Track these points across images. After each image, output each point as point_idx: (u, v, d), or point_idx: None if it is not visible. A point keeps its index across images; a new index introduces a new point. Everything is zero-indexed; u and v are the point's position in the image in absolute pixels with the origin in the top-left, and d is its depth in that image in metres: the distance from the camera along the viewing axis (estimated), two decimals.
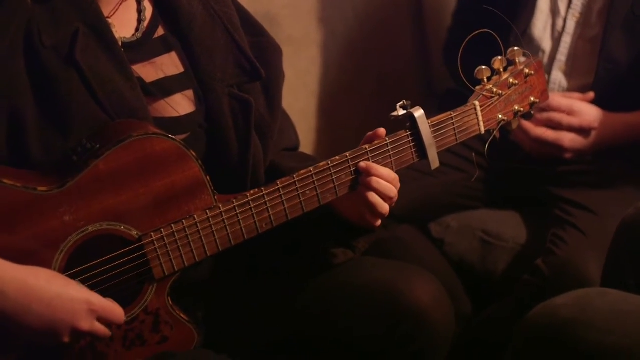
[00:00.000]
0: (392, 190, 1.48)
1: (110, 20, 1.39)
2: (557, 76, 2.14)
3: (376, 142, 1.49)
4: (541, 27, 2.14)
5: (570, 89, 2.13)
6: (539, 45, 2.14)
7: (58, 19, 1.32)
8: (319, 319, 1.53)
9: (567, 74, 2.14)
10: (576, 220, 2.01)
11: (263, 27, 1.61)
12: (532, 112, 1.69)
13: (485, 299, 2.15)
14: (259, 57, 1.54)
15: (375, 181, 1.47)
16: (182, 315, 1.39)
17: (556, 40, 2.14)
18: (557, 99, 2.07)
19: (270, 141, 1.56)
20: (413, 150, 1.52)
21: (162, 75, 1.45)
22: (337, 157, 1.46)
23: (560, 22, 2.13)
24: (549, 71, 2.14)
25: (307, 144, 2.48)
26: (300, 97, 2.47)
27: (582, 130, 2.06)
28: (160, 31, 1.47)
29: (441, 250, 2.17)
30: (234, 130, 1.49)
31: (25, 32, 1.29)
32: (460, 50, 1.62)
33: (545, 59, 2.14)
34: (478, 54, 2.20)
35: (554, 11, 2.13)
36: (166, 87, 1.45)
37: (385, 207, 1.48)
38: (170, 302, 1.38)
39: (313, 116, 2.55)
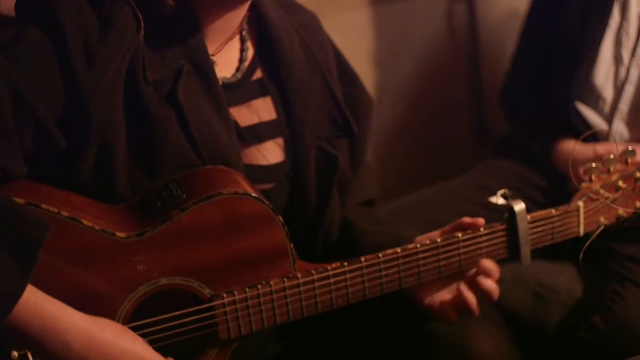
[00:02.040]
0: (496, 291, 1.44)
1: (214, 59, 1.35)
2: (619, 126, 2.08)
3: (470, 231, 1.43)
4: (603, 75, 2.09)
5: (631, 140, 2.07)
6: (600, 94, 2.09)
7: (164, 54, 1.27)
8: None
9: (630, 124, 2.08)
10: (638, 277, 1.94)
11: (358, 77, 1.56)
12: (635, 216, 1.59)
13: (537, 353, 2.08)
14: (351, 109, 1.49)
15: (484, 282, 1.43)
16: None
17: (619, 90, 2.08)
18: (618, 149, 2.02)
19: (349, 198, 1.51)
20: (506, 245, 1.46)
21: (256, 120, 1.40)
22: (428, 242, 1.40)
23: (623, 71, 2.08)
24: (610, 121, 2.09)
25: None
26: None
27: None
28: (258, 74, 1.41)
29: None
30: (315, 184, 1.44)
31: (129, 64, 1.24)
32: (571, 154, 1.53)
33: (607, 109, 2.09)
34: (537, 99, 2.18)
35: (618, 60, 2.08)
36: (259, 133, 1.40)
37: (474, 305, 1.44)
38: None
39: None
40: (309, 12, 1.54)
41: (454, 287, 1.46)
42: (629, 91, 2.07)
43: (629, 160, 1.55)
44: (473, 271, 1.45)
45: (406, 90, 2.58)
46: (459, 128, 2.73)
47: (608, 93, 2.09)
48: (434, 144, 2.66)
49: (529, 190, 2.10)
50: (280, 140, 1.42)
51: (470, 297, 1.44)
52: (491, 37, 2.78)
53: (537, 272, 2.13)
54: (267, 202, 1.30)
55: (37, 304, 1.13)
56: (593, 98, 2.10)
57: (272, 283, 1.30)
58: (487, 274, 1.44)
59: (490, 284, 1.44)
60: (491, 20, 2.80)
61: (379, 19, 2.46)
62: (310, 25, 1.51)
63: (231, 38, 1.37)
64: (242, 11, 1.35)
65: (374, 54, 2.47)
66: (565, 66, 2.11)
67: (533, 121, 2.20)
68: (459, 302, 1.44)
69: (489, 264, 1.44)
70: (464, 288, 1.45)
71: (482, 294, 1.44)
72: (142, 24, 1.24)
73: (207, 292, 1.27)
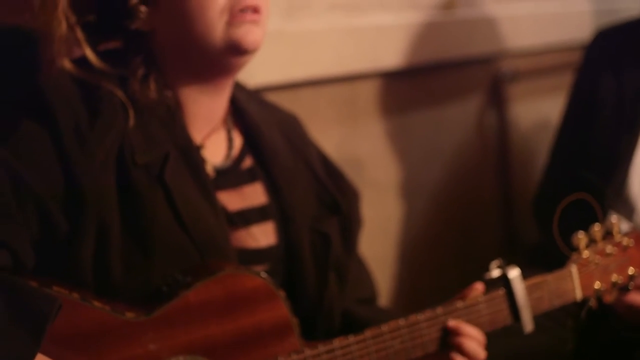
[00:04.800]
0: (480, 354, 1.44)
1: (202, 146, 1.41)
2: None
3: (470, 299, 1.46)
4: (637, 186, 2.08)
5: None
6: (634, 206, 2.07)
7: (151, 140, 1.33)
8: None
9: None
10: None
11: (342, 171, 1.63)
12: (631, 285, 1.65)
13: None
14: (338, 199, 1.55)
15: (465, 343, 1.42)
16: None
17: None
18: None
19: (346, 283, 1.53)
20: (507, 311, 1.49)
21: (246, 205, 1.45)
22: (429, 311, 1.42)
23: None
24: None
25: (384, 292, 2.41)
26: (380, 244, 2.43)
27: None
28: (248, 161, 1.48)
29: None
30: (312, 264, 1.47)
31: (119, 147, 1.30)
32: (557, 216, 1.59)
33: None
34: (572, 214, 2.16)
35: None
36: (249, 217, 1.44)
37: None
38: None
39: (392, 264, 2.49)
40: (290, 113, 1.64)
41: None
42: None
43: (616, 229, 1.64)
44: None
45: (436, 197, 2.57)
46: (490, 236, 2.71)
47: None
48: (464, 252, 2.63)
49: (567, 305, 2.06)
50: (271, 224, 1.47)
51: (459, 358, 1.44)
52: (522, 146, 2.79)
53: None
54: (267, 277, 1.33)
55: None
56: (627, 209, 2.09)
57: (280, 358, 1.31)
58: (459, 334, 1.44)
59: (457, 340, 1.43)
60: (522, 129, 2.81)
61: (409, 126, 2.48)
62: (292, 122, 1.61)
63: (216, 128, 1.45)
64: (222, 101, 1.44)
65: (404, 160, 2.48)
66: (598, 177, 2.10)
67: (566, 232, 2.17)
68: None
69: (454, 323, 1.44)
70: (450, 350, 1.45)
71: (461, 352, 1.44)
72: (130, 113, 1.32)
73: None
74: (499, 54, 2.70)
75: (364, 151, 2.36)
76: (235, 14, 1.33)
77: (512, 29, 2.69)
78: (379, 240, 2.42)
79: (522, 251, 2.54)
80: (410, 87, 2.47)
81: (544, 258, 2.21)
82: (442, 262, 2.57)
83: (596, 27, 2.41)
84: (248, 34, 1.34)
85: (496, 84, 2.72)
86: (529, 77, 2.80)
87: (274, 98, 1.73)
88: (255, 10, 1.35)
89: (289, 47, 2.05)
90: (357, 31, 2.22)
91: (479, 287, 1.48)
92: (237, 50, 1.35)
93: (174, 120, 1.37)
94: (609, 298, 1.62)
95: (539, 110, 2.84)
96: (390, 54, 2.34)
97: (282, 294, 1.34)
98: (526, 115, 2.82)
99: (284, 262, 1.47)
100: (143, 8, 1.34)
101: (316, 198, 1.52)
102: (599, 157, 2.12)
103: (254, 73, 1.89)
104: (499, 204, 2.74)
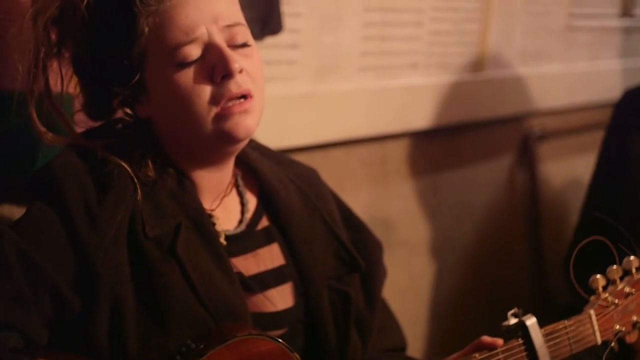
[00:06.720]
0: None
1: (213, 213, 1.40)
2: None
3: (486, 350, 1.43)
4: None
5: None
6: None
7: (162, 212, 1.33)
8: None
9: None
10: None
11: (364, 223, 1.61)
12: None
13: None
14: (359, 251, 1.54)
15: None
16: None
17: None
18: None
19: (369, 338, 1.51)
20: None
21: (262, 268, 1.43)
22: None
23: None
24: None
25: (416, 351, 2.40)
26: (411, 302, 2.43)
27: None
28: (264, 222, 1.47)
29: None
30: (333, 324, 1.46)
31: (129, 222, 1.30)
32: (572, 258, 1.58)
33: None
34: (598, 270, 2.15)
35: None
36: (266, 280, 1.43)
37: None
38: None
39: (424, 322, 2.49)
40: (307, 166, 1.62)
41: None
42: None
43: (633, 270, 1.59)
44: None
45: (467, 257, 2.57)
46: (521, 296, 2.69)
47: None
48: (495, 311, 2.60)
49: (587, 352, 2.04)
50: (288, 286, 1.45)
51: None
52: (553, 205, 2.78)
53: None
54: (281, 341, 1.31)
55: None
56: None
57: None
58: None
59: None
60: (552, 188, 2.81)
61: (440, 185, 2.49)
62: (309, 177, 1.58)
63: (227, 193, 1.44)
64: (228, 171, 1.43)
65: (435, 220, 2.48)
66: (628, 238, 2.09)
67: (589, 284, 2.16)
68: None
69: None
70: None
71: None
72: (138, 186, 1.32)
73: None
74: (529, 114, 2.72)
75: (394, 211, 2.36)
76: (224, 107, 1.31)
77: (541, 89, 2.71)
78: (410, 299, 2.42)
79: (553, 311, 2.52)
80: (440, 147, 2.48)
81: None
82: (472, 321, 2.56)
83: (624, 86, 2.43)
84: (238, 125, 1.32)
85: (526, 143, 2.73)
86: (558, 136, 2.81)
87: (305, 158, 1.75)
88: (246, 96, 1.33)
89: (319, 108, 2.09)
90: (387, 92, 2.26)
91: (499, 341, 1.45)
92: (229, 141, 1.34)
93: (183, 191, 1.36)
94: (631, 339, 1.60)
95: (570, 169, 2.84)
96: (420, 114, 2.36)
97: (296, 356, 1.32)
98: (556, 174, 2.82)
99: (303, 322, 1.46)
100: (127, 110, 1.36)
101: (334, 256, 1.51)
102: (631, 216, 2.10)
103: (286, 134, 1.92)
104: (530, 263, 2.73)
